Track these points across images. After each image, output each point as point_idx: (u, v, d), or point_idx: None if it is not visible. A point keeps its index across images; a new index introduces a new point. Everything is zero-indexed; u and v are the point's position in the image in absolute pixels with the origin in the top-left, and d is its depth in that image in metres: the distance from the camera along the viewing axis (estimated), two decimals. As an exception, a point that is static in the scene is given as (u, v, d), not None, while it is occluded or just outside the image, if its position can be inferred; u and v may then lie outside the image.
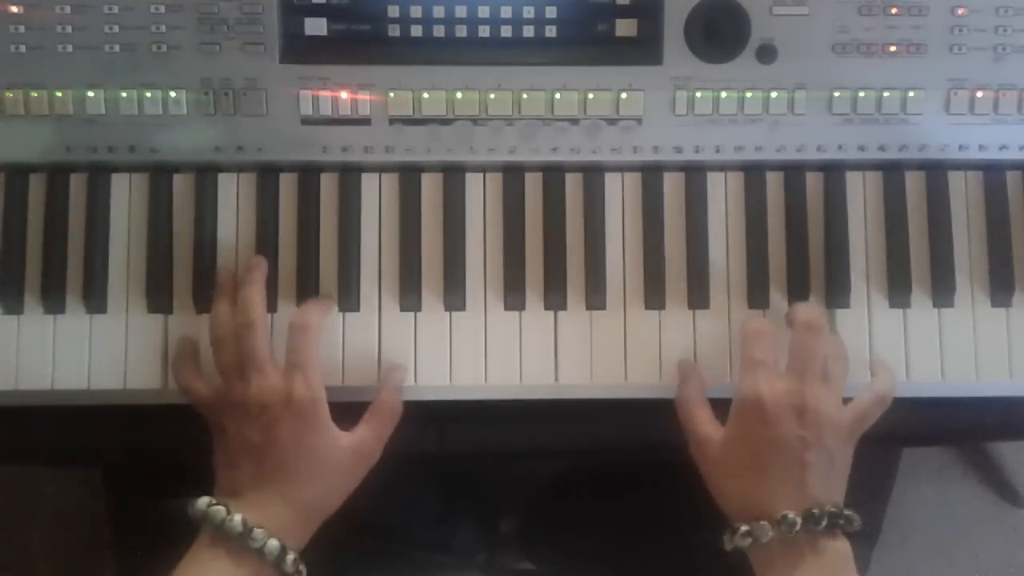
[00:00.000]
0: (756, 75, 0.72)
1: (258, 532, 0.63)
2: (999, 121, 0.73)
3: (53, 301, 0.73)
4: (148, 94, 0.71)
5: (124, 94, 0.71)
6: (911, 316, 0.74)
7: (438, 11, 0.71)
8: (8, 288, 0.73)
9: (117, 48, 0.71)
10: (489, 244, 0.74)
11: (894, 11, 0.71)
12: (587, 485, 1.00)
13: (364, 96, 0.72)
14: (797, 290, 0.74)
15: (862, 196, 0.75)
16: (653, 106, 0.72)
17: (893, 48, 0.72)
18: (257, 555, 0.63)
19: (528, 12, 0.71)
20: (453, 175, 0.74)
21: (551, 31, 0.72)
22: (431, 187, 0.74)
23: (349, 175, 0.74)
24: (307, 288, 0.73)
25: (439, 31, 0.72)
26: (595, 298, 0.73)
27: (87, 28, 0.70)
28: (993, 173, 0.75)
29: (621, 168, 0.74)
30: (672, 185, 0.74)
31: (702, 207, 0.74)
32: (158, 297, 0.73)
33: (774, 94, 0.72)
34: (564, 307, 0.73)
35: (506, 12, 0.71)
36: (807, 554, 0.63)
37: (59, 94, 0.71)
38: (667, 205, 0.74)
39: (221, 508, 0.63)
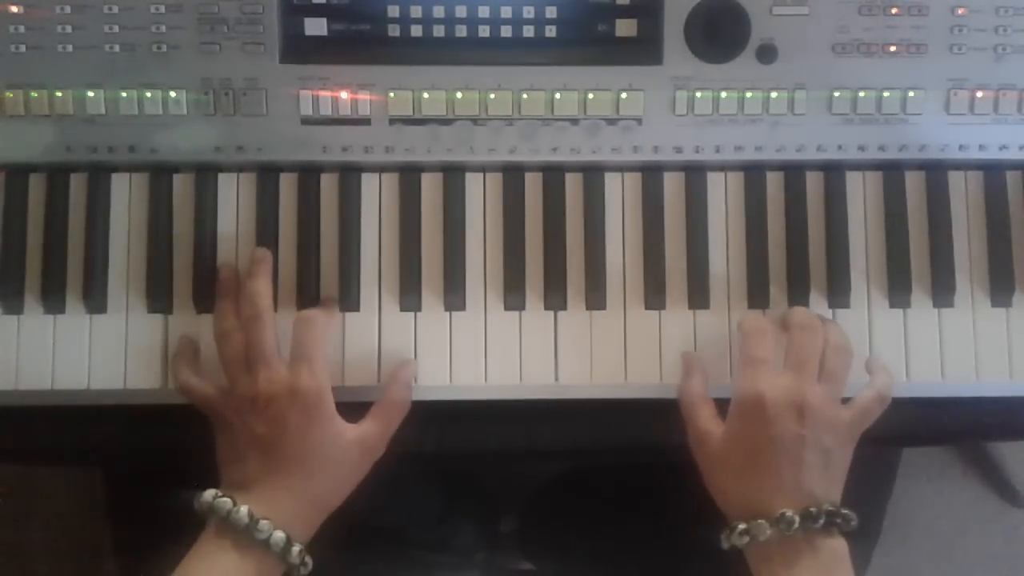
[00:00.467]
0: (756, 75, 0.72)
1: (264, 523, 0.63)
2: (999, 121, 0.73)
3: (53, 301, 0.73)
4: (148, 94, 0.71)
5: (124, 94, 0.71)
6: (911, 316, 0.74)
7: (438, 11, 0.71)
8: (8, 288, 0.73)
9: (117, 48, 0.71)
10: (489, 244, 0.74)
11: (894, 11, 0.71)
12: (587, 485, 1.00)
13: (364, 96, 0.72)
14: (797, 290, 0.74)
15: (862, 196, 0.75)
16: (653, 106, 0.72)
17: (893, 48, 0.72)
18: (263, 546, 0.63)
19: (528, 12, 0.71)
20: (453, 175, 0.74)
21: (551, 31, 0.72)
22: (431, 187, 0.74)
23: (349, 175, 0.74)
24: (307, 288, 0.73)
25: (439, 31, 0.72)
26: (595, 298, 0.73)
27: (87, 28, 0.70)
28: (993, 173, 0.75)
29: (621, 168, 0.74)
30: (672, 185, 0.75)
31: (702, 207, 0.74)
32: (158, 297, 0.73)
33: (774, 94, 0.72)
34: (564, 307, 0.73)
35: (506, 12, 0.71)
36: (804, 552, 0.63)
37: (59, 94, 0.71)
38: (667, 205, 0.74)
39: (227, 500, 0.64)
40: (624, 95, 0.72)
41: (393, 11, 0.71)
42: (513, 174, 0.74)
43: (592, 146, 0.73)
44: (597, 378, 0.73)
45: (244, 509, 0.63)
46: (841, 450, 0.66)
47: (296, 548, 0.64)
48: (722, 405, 0.68)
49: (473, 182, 0.74)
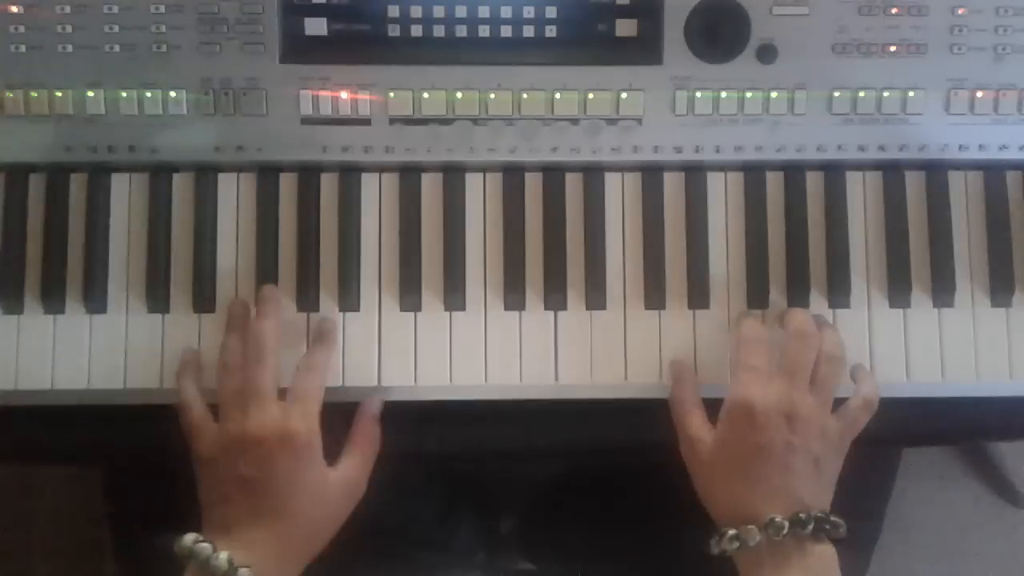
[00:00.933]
0: (756, 75, 0.72)
1: (243, 572, 0.61)
2: (999, 121, 0.73)
3: (53, 301, 0.73)
4: (148, 94, 0.71)
5: (124, 94, 0.71)
6: (911, 316, 0.74)
7: (438, 11, 0.71)
8: (8, 288, 0.73)
9: (117, 48, 0.71)
10: (489, 244, 0.74)
11: (894, 11, 0.71)
12: (587, 485, 1.00)
13: (364, 96, 0.72)
14: (797, 290, 0.74)
15: (862, 196, 0.75)
16: (653, 106, 0.72)
17: (893, 48, 0.72)
18: None
19: (528, 12, 0.71)
20: (453, 175, 0.74)
21: (551, 31, 0.72)
22: (431, 187, 0.74)
23: (349, 175, 0.74)
24: (307, 288, 0.73)
25: (439, 31, 0.72)
26: (595, 298, 0.73)
27: (87, 28, 0.70)
28: (993, 173, 0.75)
29: (621, 168, 0.74)
30: (672, 185, 0.74)
31: (702, 207, 0.74)
32: (158, 297, 0.73)
33: (774, 94, 0.72)
34: (564, 307, 0.73)
35: (506, 12, 0.71)
36: (793, 558, 0.63)
37: (59, 94, 0.71)
38: (667, 205, 0.74)
39: (207, 546, 0.62)
40: (624, 95, 0.72)
41: (393, 11, 0.71)
42: (513, 174, 0.74)
43: (592, 146, 0.73)
44: (597, 378, 0.73)
45: (224, 556, 0.61)
46: (831, 458, 0.67)
47: None
48: (720, 405, 0.68)
49: (473, 182, 0.74)
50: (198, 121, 0.72)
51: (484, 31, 0.72)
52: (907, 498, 1.52)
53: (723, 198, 0.74)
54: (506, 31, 0.72)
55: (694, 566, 0.68)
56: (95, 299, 0.72)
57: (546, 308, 0.73)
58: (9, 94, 0.71)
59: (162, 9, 0.70)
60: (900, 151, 0.73)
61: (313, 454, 0.66)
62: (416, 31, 0.72)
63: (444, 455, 0.76)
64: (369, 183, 0.74)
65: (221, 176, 0.74)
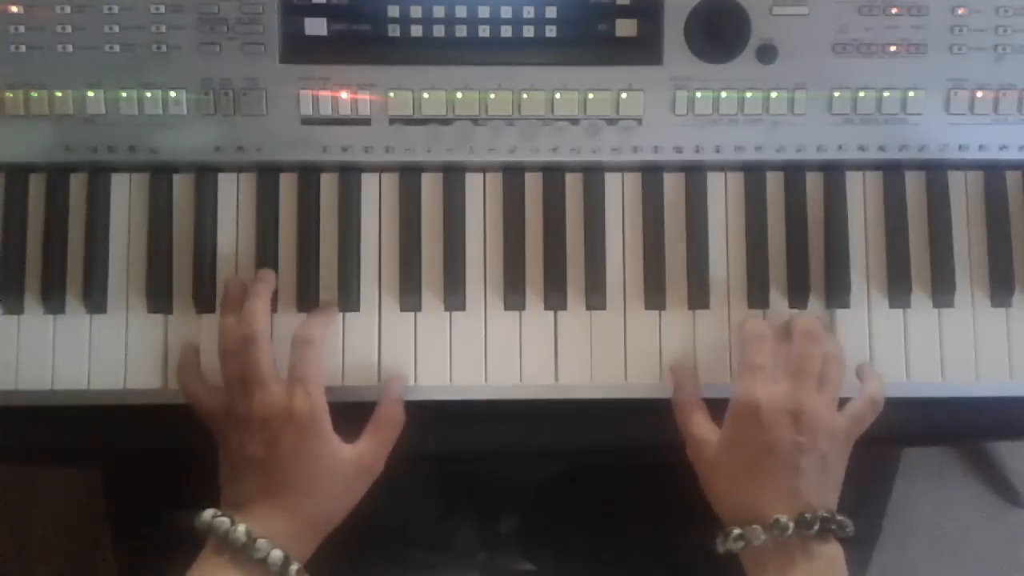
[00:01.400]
0: (756, 75, 0.72)
1: (262, 543, 0.63)
2: (999, 121, 0.73)
3: (53, 301, 0.73)
4: (148, 94, 0.71)
5: (124, 94, 0.71)
6: (911, 316, 0.74)
7: (438, 11, 0.71)
8: (8, 288, 0.73)
9: (117, 48, 0.71)
10: (489, 244, 0.74)
11: (894, 11, 0.71)
12: (587, 485, 1.00)
13: (364, 96, 0.72)
14: (797, 290, 0.74)
15: (862, 196, 0.75)
16: (653, 106, 0.72)
17: (893, 48, 0.72)
18: (261, 565, 0.63)
19: (528, 12, 0.71)
20: (453, 175, 0.74)
21: (551, 31, 0.72)
22: (431, 187, 0.74)
23: (349, 175, 0.74)
24: (307, 288, 0.73)
25: (439, 31, 0.72)
26: (595, 298, 0.73)
27: (87, 28, 0.70)
28: (993, 173, 0.75)
29: (621, 168, 0.74)
30: (672, 185, 0.74)
31: (702, 207, 0.74)
32: (158, 297, 0.73)
33: (774, 94, 0.72)
34: (564, 307, 0.73)
35: (506, 12, 0.71)
36: (799, 558, 0.63)
37: (59, 94, 0.71)
38: (667, 205, 0.74)
39: (225, 519, 0.63)
40: (624, 95, 0.72)
41: (393, 11, 0.71)
42: (513, 174, 0.74)
43: (592, 146, 0.73)
44: (597, 378, 0.73)
45: (242, 528, 0.63)
46: (837, 457, 0.66)
47: (294, 567, 0.64)
48: (721, 406, 0.68)
49: (473, 182, 0.74)
50: (198, 121, 0.72)
51: (484, 31, 0.72)
52: (907, 498, 1.52)
53: (723, 198, 0.74)
54: (506, 31, 0.72)
55: (694, 566, 0.68)
56: (95, 299, 0.72)
57: (546, 308, 0.73)
58: (9, 94, 0.71)
59: (162, 9, 0.70)
60: (900, 151, 0.73)
61: (320, 430, 0.66)
62: (416, 31, 0.72)
63: (444, 455, 0.76)
64: (369, 183, 0.74)
65: (221, 176, 0.74)
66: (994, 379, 0.73)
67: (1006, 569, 1.55)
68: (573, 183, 0.74)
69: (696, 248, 0.74)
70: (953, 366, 0.73)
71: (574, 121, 0.72)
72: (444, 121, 0.72)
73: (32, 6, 0.70)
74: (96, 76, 0.71)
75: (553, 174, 0.74)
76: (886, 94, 0.72)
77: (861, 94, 0.72)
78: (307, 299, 0.73)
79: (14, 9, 0.70)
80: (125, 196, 0.74)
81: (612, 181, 0.74)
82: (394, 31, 0.72)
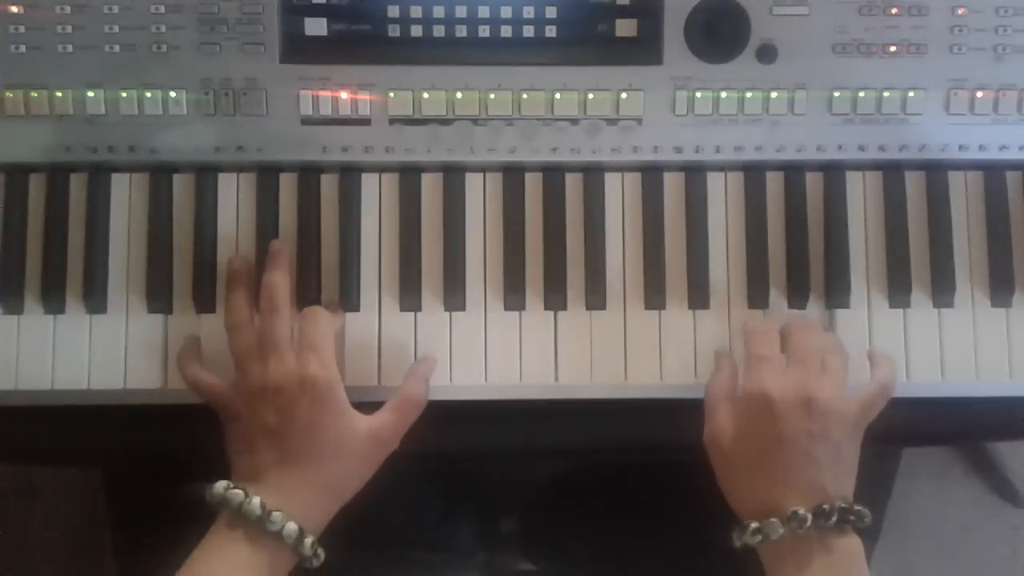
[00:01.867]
0: (756, 75, 0.72)
1: (276, 515, 0.63)
2: (999, 121, 0.73)
3: (53, 301, 0.73)
4: (148, 94, 0.71)
5: (124, 94, 0.71)
6: (911, 316, 0.74)
7: (438, 11, 0.71)
8: (8, 288, 0.73)
9: (117, 48, 0.71)
10: (489, 244, 0.74)
11: (894, 11, 0.71)
12: (587, 485, 1.00)
13: (364, 96, 0.72)
14: (797, 290, 0.74)
15: (862, 196, 0.75)
16: (653, 106, 0.72)
17: (893, 48, 0.72)
18: (275, 538, 0.63)
19: (528, 12, 0.71)
20: (453, 175, 0.74)
21: (551, 31, 0.72)
22: (431, 187, 0.74)
23: (349, 175, 0.74)
24: (307, 288, 0.73)
25: (439, 31, 0.72)
26: (595, 298, 0.73)
27: (87, 28, 0.70)
28: (993, 173, 0.75)
29: (621, 168, 0.74)
30: (672, 185, 0.75)
31: (702, 207, 0.74)
32: (158, 297, 0.73)
33: (774, 94, 0.72)
34: (564, 307, 0.73)
35: (506, 12, 0.71)
36: (817, 552, 0.63)
37: (59, 94, 0.71)
38: (667, 205, 0.74)
39: (239, 492, 0.63)
40: (624, 95, 0.72)
41: (393, 11, 0.71)
42: (513, 174, 0.74)
43: (592, 146, 0.73)
44: (597, 378, 0.73)
45: (256, 500, 0.63)
46: (850, 443, 0.66)
47: (309, 539, 0.64)
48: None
49: (473, 182, 0.74)
50: (198, 121, 0.72)
51: (484, 31, 0.72)
52: (907, 498, 1.52)
53: (723, 198, 0.74)
54: (506, 31, 0.72)
55: (694, 565, 0.68)
56: (95, 299, 0.72)
57: (546, 308, 0.73)
58: (9, 94, 0.71)
59: (162, 9, 0.70)
60: (900, 151, 0.73)
61: (335, 399, 0.66)
62: (416, 31, 0.72)
63: (444, 455, 0.76)
64: (369, 183, 0.74)
65: (221, 176, 0.74)
66: (994, 379, 0.73)
67: (1006, 569, 1.55)
68: (573, 183, 0.74)
69: (696, 248, 0.74)
70: (953, 366, 0.73)
71: (574, 121, 0.72)
72: (444, 121, 0.72)
73: (32, 6, 0.70)
74: (96, 76, 0.71)
75: (553, 174, 0.74)
76: (886, 94, 0.72)
77: (861, 94, 0.72)
78: (307, 299, 0.73)
79: (14, 9, 0.70)
80: (125, 196, 0.74)
81: (612, 181, 0.74)
82: (394, 31, 0.72)
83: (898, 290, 0.74)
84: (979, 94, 0.72)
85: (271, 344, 0.67)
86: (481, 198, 0.74)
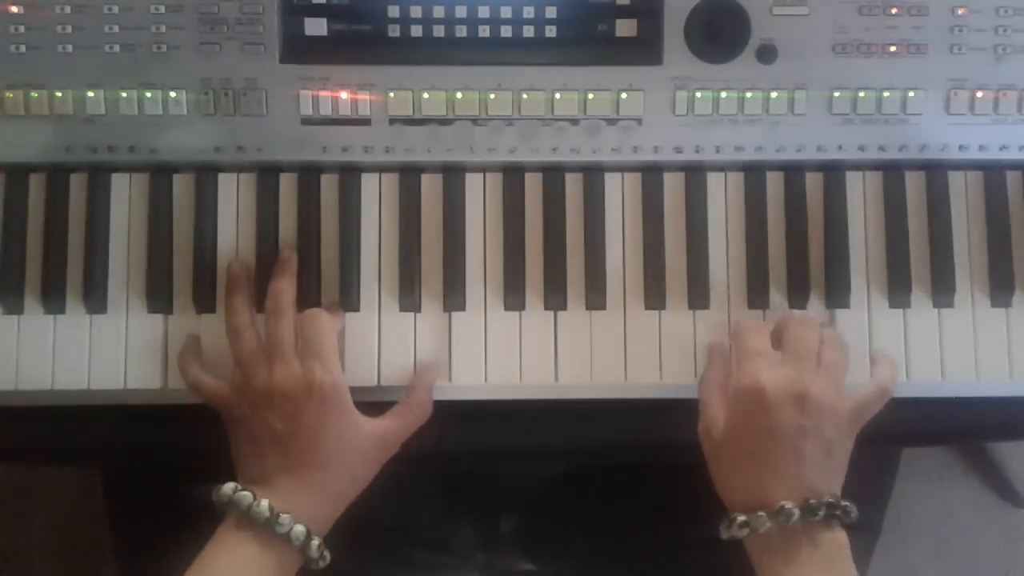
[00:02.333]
0: (756, 75, 0.72)
1: (285, 517, 0.63)
2: (999, 121, 0.73)
3: (53, 301, 0.73)
4: (148, 94, 0.71)
5: (124, 94, 0.71)
6: (911, 316, 0.74)
7: (438, 11, 0.71)
8: (8, 288, 0.73)
9: (117, 48, 0.71)
10: (489, 244, 0.74)
11: (894, 11, 0.71)
12: (586, 485, 1.00)
13: (364, 96, 0.72)
14: (797, 290, 0.74)
15: (862, 196, 0.75)
16: (653, 106, 0.72)
17: (893, 48, 0.72)
18: (283, 540, 0.63)
19: (528, 12, 0.71)
20: (453, 175, 0.74)
21: (551, 31, 0.72)
22: (431, 187, 0.74)
23: (349, 175, 0.74)
24: (307, 288, 0.73)
25: (439, 31, 0.72)
26: (595, 298, 0.73)
27: (87, 28, 0.70)
28: (993, 173, 0.75)
29: (621, 168, 0.74)
30: (672, 185, 0.75)
31: (702, 207, 0.74)
32: (158, 297, 0.73)
33: (774, 94, 0.72)
34: (564, 307, 0.73)
35: (506, 12, 0.71)
36: (804, 545, 0.63)
37: (59, 94, 0.71)
38: (667, 205, 0.74)
39: (248, 494, 0.64)
40: (624, 95, 0.72)
41: (393, 11, 0.71)
42: (513, 174, 0.74)
43: (592, 146, 0.73)
44: (597, 378, 0.73)
45: (265, 503, 0.63)
46: (842, 441, 0.66)
47: (316, 542, 0.64)
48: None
49: (473, 182, 0.74)
50: (198, 121, 0.72)
51: (484, 31, 0.72)
52: (907, 498, 1.52)
53: (723, 198, 0.74)
54: (506, 31, 0.72)
55: (694, 565, 0.68)
56: (95, 299, 0.72)
57: (546, 308, 0.73)
58: (9, 94, 0.71)
59: (162, 9, 0.70)
60: (900, 151, 0.73)
61: (341, 402, 0.67)
62: (416, 31, 0.72)
63: (444, 455, 0.76)
64: (369, 183, 0.74)
65: (221, 176, 0.74)
66: (994, 379, 0.73)
67: (1006, 569, 1.55)
68: (573, 183, 0.74)
69: (696, 248, 0.74)
70: (953, 366, 0.73)
71: (574, 121, 0.72)
72: (444, 121, 0.72)
73: (32, 6, 0.70)
74: (96, 76, 0.71)
75: (553, 174, 0.74)
76: (886, 94, 0.72)
77: (861, 94, 0.72)
78: (307, 299, 0.73)
79: (14, 9, 0.70)
80: (125, 196, 0.74)
81: (612, 181, 0.74)
82: (394, 31, 0.72)
83: (898, 290, 0.74)
84: (979, 94, 0.72)
85: (276, 349, 0.67)
86: (481, 198, 0.74)
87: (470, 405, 0.73)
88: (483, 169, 0.74)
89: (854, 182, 0.75)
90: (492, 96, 0.72)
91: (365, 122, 0.72)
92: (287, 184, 0.74)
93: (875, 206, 0.75)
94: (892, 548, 1.50)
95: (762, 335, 0.68)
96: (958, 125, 0.73)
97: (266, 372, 0.67)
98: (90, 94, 0.71)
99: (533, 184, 0.74)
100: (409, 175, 0.74)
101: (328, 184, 0.74)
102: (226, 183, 0.74)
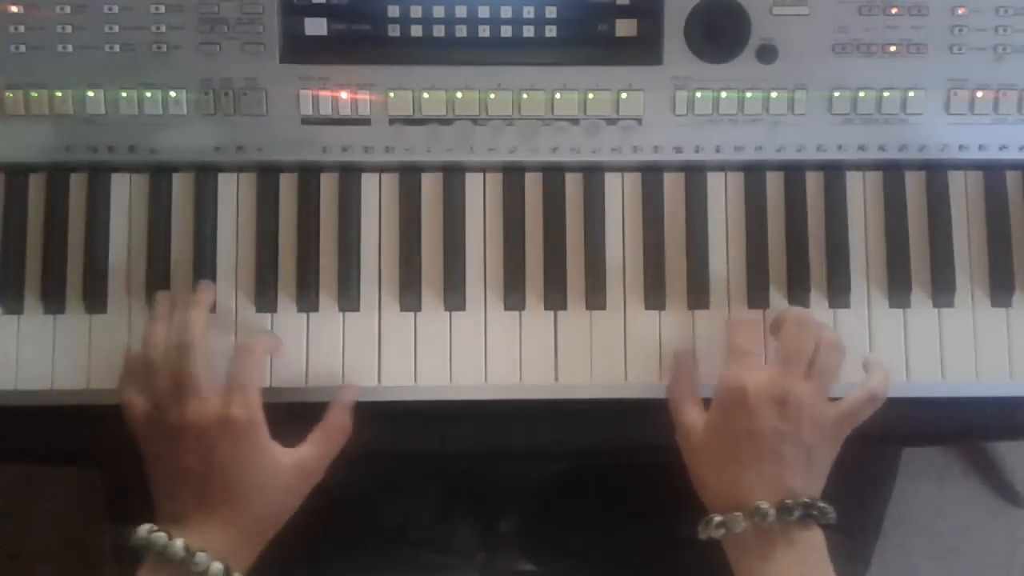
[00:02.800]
0: (756, 75, 0.72)
1: (200, 556, 0.62)
2: (999, 121, 0.73)
3: (53, 301, 0.73)
4: (148, 94, 0.71)
5: (124, 94, 0.71)
6: (911, 316, 0.74)
7: (438, 11, 0.71)
8: (8, 288, 0.73)
9: (117, 48, 0.71)
10: (489, 244, 0.74)
11: (894, 11, 0.71)
12: (587, 485, 1.00)
13: (364, 96, 0.72)
14: (797, 290, 0.74)
15: (862, 196, 0.75)
16: (653, 106, 0.72)
17: (893, 48, 0.72)
18: None
19: (528, 12, 0.71)
20: (453, 175, 0.74)
21: (551, 31, 0.72)
22: (431, 187, 0.74)
23: (349, 175, 0.74)
24: (307, 288, 0.73)
25: (439, 31, 0.72)
26: (595, 298, 0.73)
27: (87, 28, 0.70)
28: (993, 173, 0.75)
29: (621, 168, 0.74)
30: (672, 185, 0.75)
31: (702, 207, 0.74)
32: (158, 297, 0.73)
33: (774, 94, 0.72)
34: (564, 307, 0.73)
35: (506, 12, 0.71)
36: (780, 544, 0.63)
37: (59, 94, 0.71)
38: (667, 205, 0.74)
39: (162, 534, 0.63)
40: (624, 95, 0.72)
41: (393, 11, 0.71)
42: (513, 174, 0.74)
43: (592, 146, 0.73)
44: (597, 378, 0.73)
45: (179, 543, 0.62)
46: (824, 447, 0.66)
47: None
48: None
49: (473, 182, 0.74)
50: (198, 121, 0.72)
51: (484, 31, 0.72)
52: (907, 498, 1.52)
53: (723, 198, 0.74)
54: (506, 31, 0.72)
55: (694, 566, 0.68)
56: (95, 299, 0.72)
57: (546, 308, 0.73)
58: (9, 94, 0.71)
59: (162, 9, 0.70)
60: (900, 151, 0.73)
61: (257, 438, 0.65)
62: (416, 31, 0.72)
63: (444, 455, 0.76)
64: (369, 183, 0.74)
65: (221, 176, 0.74)
66: (994, 379, 0.73)
67: (1006, 569, 1.55)
68: (573, 183, 0.74)
69: (696, 248, 0.74)
70: (953, 366, 0.73)
71: (574, 121, 0.72)
72: (444, 121, 0.72)
73: (32, 6, 0.70)
74: (96, 76, 0.71)
75: (553, 174, 0.74)
76: (886, 94, 0.72)
77: (861, 94, 0.72)
78: (307, 299, 0.73)
79: (14, 9, 0.70)
80: (125, 196, 0.74)
81: (612, 181, 0.74)
82: (394, 31, 0.72)
83: (898, 290, 0.74)
84: (979, 94, 0.72)
85: (186, 384, 0.65)
86: (481, 198, 0.74)
87: (470, 405, 0.72)
88: (483, 169, 0.74)
89: (854, 182, 0.75)
90: (492, 96, 0.72)
91: (365, 122, 0.72)
92: (287, 184, 0.74)
93: (875, 206, 0.75)
94: (892, 548, 1.50)
95: (752, 333, 0.68)
96: (958, 125, 0.73)
97: (178, 408, 0.65)
98: (90, 94, 0.71)
99: (533, 184, 0.74)
100: (409, 175, 0.74)
101: (328, 184, 0.74)
102: (226, 183, 0.74)
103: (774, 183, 0.75)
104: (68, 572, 1.43)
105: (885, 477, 0.93)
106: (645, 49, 0.72)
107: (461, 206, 0.74)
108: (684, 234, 0.74)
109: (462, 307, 0.73)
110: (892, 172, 0.75)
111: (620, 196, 0.74)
